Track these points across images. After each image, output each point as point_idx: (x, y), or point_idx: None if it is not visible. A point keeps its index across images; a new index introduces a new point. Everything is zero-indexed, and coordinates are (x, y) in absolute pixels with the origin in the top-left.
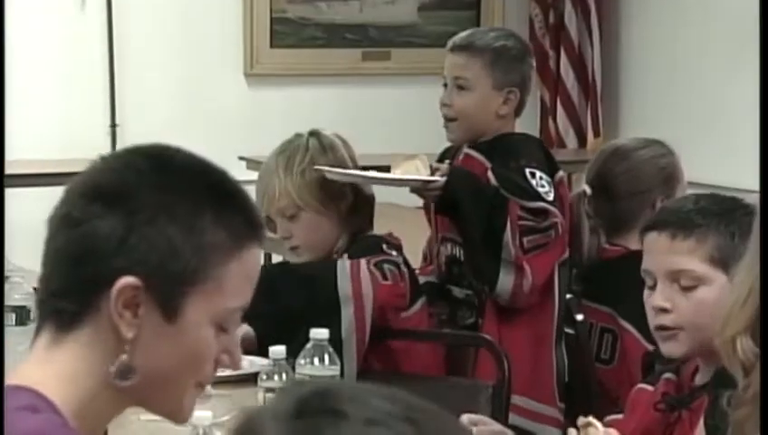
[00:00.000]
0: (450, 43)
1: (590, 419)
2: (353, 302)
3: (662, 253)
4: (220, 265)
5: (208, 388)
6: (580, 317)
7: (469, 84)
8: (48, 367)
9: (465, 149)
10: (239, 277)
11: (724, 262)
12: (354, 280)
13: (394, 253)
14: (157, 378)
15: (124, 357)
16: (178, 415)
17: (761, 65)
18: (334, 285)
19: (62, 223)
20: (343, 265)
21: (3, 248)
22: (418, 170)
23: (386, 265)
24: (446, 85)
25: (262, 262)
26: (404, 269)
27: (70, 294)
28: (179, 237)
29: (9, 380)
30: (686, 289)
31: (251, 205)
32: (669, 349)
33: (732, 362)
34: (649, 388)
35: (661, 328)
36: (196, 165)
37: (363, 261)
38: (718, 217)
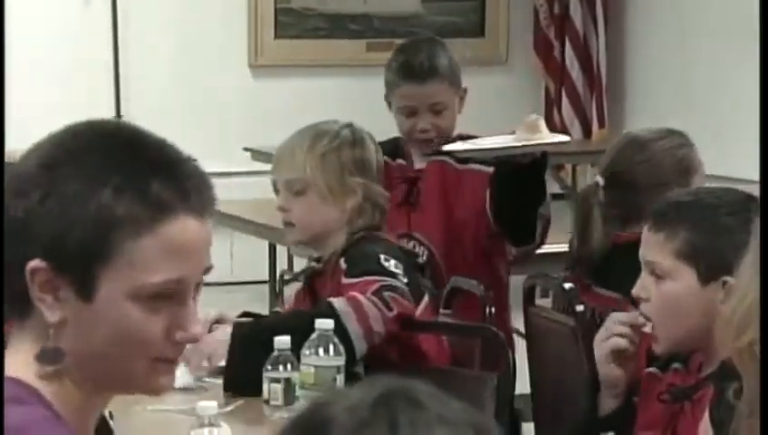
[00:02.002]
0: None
1: None
2: (364, 339)
3: (643, 244)
4: (128, 239)
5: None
6: (580, 308)
7: (447, 105)
8: (20, 356)
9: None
10: (155, 251)
11: (693, 258)
12: (362, 319)
13: (393, 263)
14: (97, 358)
15: (50, 342)
16: (149, 390)
17: (761, 67)
18: (341, 329)
19: None
20: (342, 304)
21: (2, 248)
22: (540, 130)
23: (386, 293)
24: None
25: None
26: (403, 287)
27: (7, 283)
28: (74, 213)
29: None
30: (657, 281)
31: (189, 174)
32: (653, 347)
33: (748, 368)
34: (660, 375)
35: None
36: (102, 137)
37: (362, 297)
38: (697, 212)
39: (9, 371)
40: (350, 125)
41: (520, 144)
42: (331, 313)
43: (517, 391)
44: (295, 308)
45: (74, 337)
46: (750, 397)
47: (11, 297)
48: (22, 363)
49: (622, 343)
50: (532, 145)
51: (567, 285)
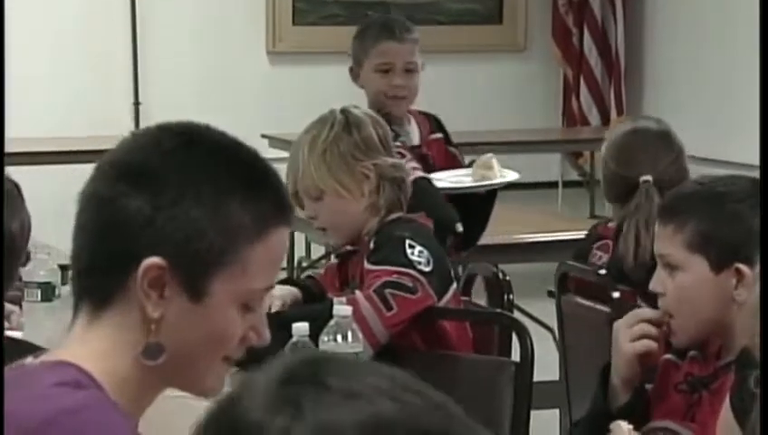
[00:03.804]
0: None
1: (619, 423)
2: (366, 339)
3: (656, 238)
4: (246, 247)
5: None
6: (616, 295)
7: (417, 67)
8: (87, 345)
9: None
10: (264, 259)
11: (703, 247)
12: (361, 321)
13: (417, 250)
14: (184, 356)
15: (151, 337)
16: (206, 390)
17: (761, 68)
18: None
19: (90, 200)
20: (342, 308)
21: (3, 249)
22: (492, 167)
23: (387, 291)
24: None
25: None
26: (417, 280)
27: (98, 272)
28: (205, 219)
29: (50, 357)
30: (671, 274)
31: (280, 186)
32: (671, 339)
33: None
34: (677, 362)
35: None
36: (225, 145)
37: (361, 298)
38: (703, 202)
39: (74, 357)
40: (342, 110)
41: (474, 184)
42: (330, 315)
43: (536, 379)
44: (303, 306)
45: (173, 335)
46: None
47: (95, 287)
48: (88, 355)
49: (653, 345)
50: (484, 185)
51: (602, 272)
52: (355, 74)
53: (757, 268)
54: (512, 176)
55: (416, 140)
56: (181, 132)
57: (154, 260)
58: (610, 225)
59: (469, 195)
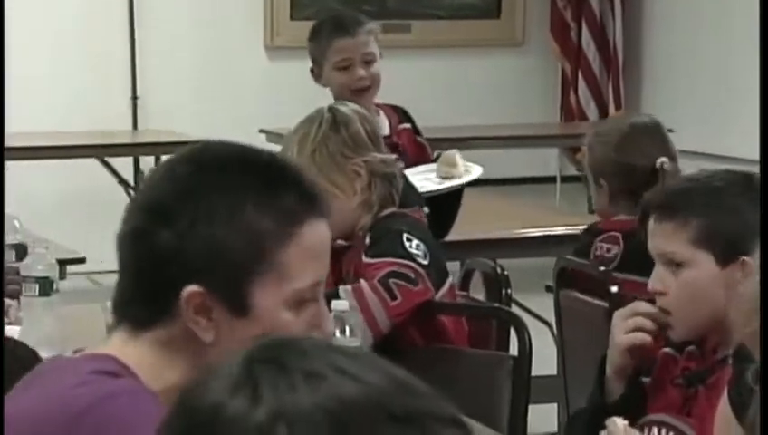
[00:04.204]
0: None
1: (614, 419)
2: (370, 328)
3: (654, 236)
4: (277, 250)
5: None
6: (614, 289)
7: (375, 57)
8: (128, 352)
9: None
10: (301, 256)
11: (709, 242)
12: (365, 310)
13: (415, 243)
14: None
15: (210, 360)
16: None
17: (761, 66)
18: None
19: (124, 240)
20: (346, 292)
21: (2, 247)
22: (457, 164)
23: (391, 281)
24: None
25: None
26: (418, 272)
27: (141, 303)
28: (224, 234)
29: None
30: (675, 271)
31: (300, 181)
32: (670, 335)
33: (759, 353)
34: (675, 356)
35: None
36: (234, 156)
37: (366, 287)
38: (703, 196)
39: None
40: (330, 108)
41: (440, 187)
42: (335, 294)
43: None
44: None
45: (225, 352)
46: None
47: (136, 315)
48: (133, 362)
49: (646, 339)
50: (447, 188)
51: (601, 268)
52: (317, 75)
53: (756, 259)
54: (476, 171)
55: (386, 130)
56: (190, 157)
57: (192, 288)
58: (617, 218)
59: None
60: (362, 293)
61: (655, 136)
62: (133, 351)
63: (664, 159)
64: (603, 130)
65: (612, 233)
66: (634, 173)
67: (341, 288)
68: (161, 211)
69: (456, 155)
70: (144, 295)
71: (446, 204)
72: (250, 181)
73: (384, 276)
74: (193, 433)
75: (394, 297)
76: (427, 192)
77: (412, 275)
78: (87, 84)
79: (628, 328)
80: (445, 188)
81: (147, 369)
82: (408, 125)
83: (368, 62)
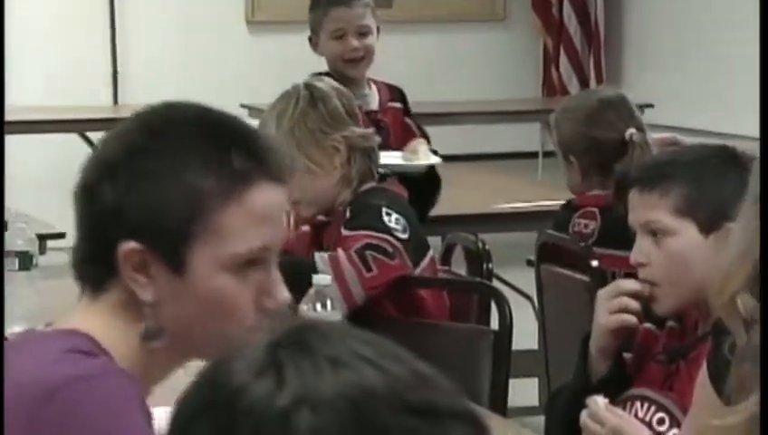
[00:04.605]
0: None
1: (595, 398)
2: (344, 298)
3: (635, 207)
4: (216, 211)
5: None
6: (595, 263)
7: (371, 30)
8: (91, 323)
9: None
10: (244, 219)
11: (691, 212)
12: (339, 279)
13: (394, 217)
14: (188, 333)
15: (149, 320)
16: None
17: (761, 61)
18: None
19: (76, 195)
20: (323, 262)
21: (2, 245)
22: (419, 152)
23: (368, 253)
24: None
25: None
26: (395, 246)
27: (91, 262)
28: (164, 192)
29: (60, 325)
30: (658, 241)
31: (253, 144)
32: (654, 308)
33: (733, 321)
34: (656, 332)
35: (644, 282)
36: (181, 117)
37: (342, 255)
38: (685, 166)
39: (84, 329)
40: (306, 84)
41: (404, 163)
42: (312, 269)
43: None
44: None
45: (168, 312)
46: (738, 350)
47: (88, 274)
48: (99, 327)
49: (633, 320)
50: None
51: (581, 244)
52: (314, 44)
53: (737, 226)
54: (434, 160)
55: (374, 105)
56: (141, 116)
57: (129, 245)
58: (592, 194)
59: (406, 179)
60: (338, 262)
61: (621, 109)
62: (97, 321)
63: (632, 130)
64: (569, 106)
65: (589, 209)
66: (604, 147)
67: (317, 255)
68: (106, 168)
69: (421, 145)
70: (92, 254)
71: (417, 189)
72: (197, 141)
73: (361, 248)
74: (214, 414)
75: (369, 269)
76: (393, 165)
77: (389, 250)
78: (67, 59)
79: (612, 308)
80: (392, 165)
81: (114, 342)
82: (398, 104)
83: (362, 33)
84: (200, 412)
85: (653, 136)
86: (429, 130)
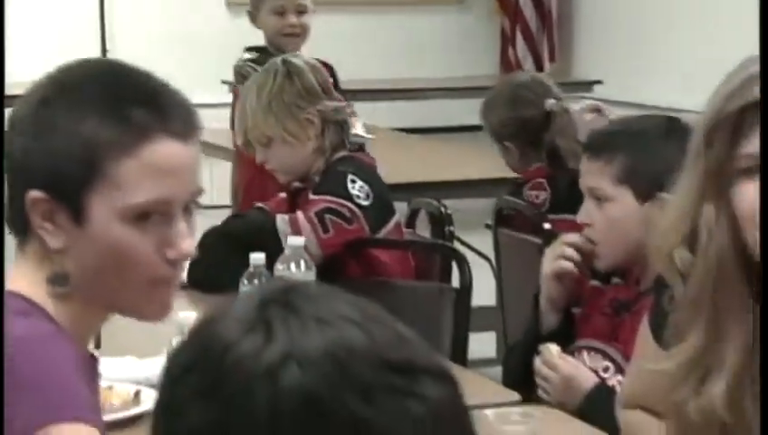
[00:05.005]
0: None
1: (548, 346)
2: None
3: (584, 173)
4: (112, 163)
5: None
6: (547, 226)
7: (308, 8)
8: (23, 277)
9: None
10: (138, 173)
11: (630, 181)
12: (296, 236)
13: (358, 185)
14: (92, 281)
15: (56, 267)
16: (148, 315)
17: (761, 63)
18: (277, 240)
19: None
20: (283, 222)
21: (2, 247)
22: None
23: (327, 217)
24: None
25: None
26: (353, 211)
27: (12, 213)
28: (65, 144)
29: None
30: (600, 206)
31: (156, 100)
32: (596, 263)
33: (671, 273)
34: (602, 288)
35: (587, 240)
36: (88, 73)
37: (301, 216)
38: (629, 138)
39: (16, 289)
40: (284, 60)
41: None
42: (273, 229)
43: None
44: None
45: (74, 261)
46: (676, 300)
47: (13, 226)
48: (27, 284)
49: (568, 266)
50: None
51: (535, 210)
52: (253, 17)
53: (671, 195)
54: (369, 136)
55: None
56: (52, 73)
57: (34, 194)
58: (534, 167)
59: None
60: (297, 222)
61: (536, 86)
62: (26, 276)
63: (551, 101)
64: (490, 99)
65: (537, 180)
66: (530, 124)
67: (279, 216)
68: (18, 121)
69: (358, 122)
70: (12, 205)
71: None
72: (98, 95)
73: (321, 211)
74: (202, 369)
75: (326, 230)
76: None
77: (347, 214)
78: (58, 40)
79: (554, 256)
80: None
81: (36, 290)
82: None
83: (300, 12)
84: (189, 368)
85: (577, 104)
86: (394, 105)
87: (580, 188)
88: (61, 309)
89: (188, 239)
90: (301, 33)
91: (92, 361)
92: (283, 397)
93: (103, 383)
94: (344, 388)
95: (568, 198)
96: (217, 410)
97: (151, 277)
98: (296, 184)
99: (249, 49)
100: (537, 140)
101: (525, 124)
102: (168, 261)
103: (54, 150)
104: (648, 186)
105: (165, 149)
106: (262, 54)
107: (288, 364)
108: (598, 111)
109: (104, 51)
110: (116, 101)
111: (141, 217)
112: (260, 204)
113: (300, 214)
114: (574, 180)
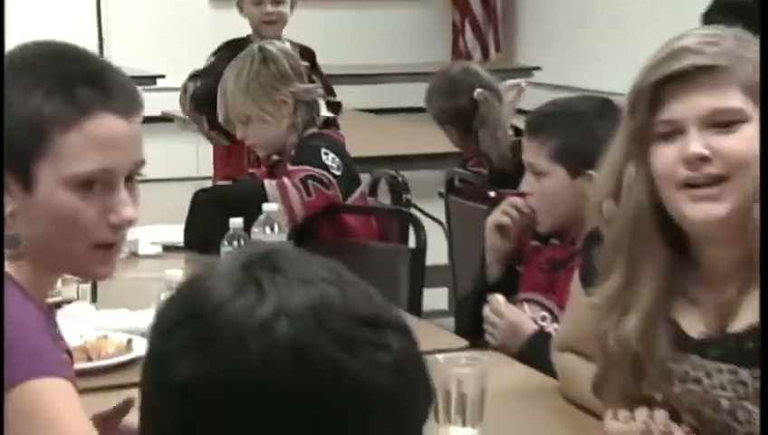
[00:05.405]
0: None
1: (495, 296)
2: (287, 217)
3: (524, 150)
4: (57, 135)
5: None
6: (492, 194)
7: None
8: None
9: None
10: (81, 145)
11: (563, 158)
12: (285, 200)
13: (330, 156)
14: (41, 243)
15: (7, 230)
16: (94, 274)
17: (762, 65)
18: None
19: None
20: (271, 186)
21: (2, 248)
22: None
23: (310, 182)
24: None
25: None
26: (330, 179)
27: None
28: (16, 117)
29: None
30: (538, 179)
31: (101, 82)
32: (537, 227)
33: (600, 222)
34: (541, 247)
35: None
36: (37, 54)
37: (288, 181)
38: (563, 120)
39: None
40: (260, 48)
41: None
42: (263, 192)
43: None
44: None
45: (24, 225)
46: (603, 245)
47: None
48: None
49: (504, 219)
50: None
51: (481, 179)
52: (240, 7)
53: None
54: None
55: None
56: (10, 53)
57: None
58: (474, 146)
59: None
60: (285, 186)
61: (468, 77)
62: None
63: (478, 90)
64: (429, 89)
65: (476, 159)
66: (463, 111)
67: (267, 182)
68: None
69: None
70: None
71: None
72: (45, 73)
73: (305, 177)
74: (195, 324)
75: (309, 194)
76: None
77: (326, 181)
78: (57, 31)
79: (497, 211)
80: None
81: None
82: (305, 63)
83: (278, 1)
84: (179, 322)
85: (505, 83)
86: (359, 88)
87: (513, 167)
88: (17, 269)
89: (129, 207)
90: (278, 21)
91: (50, 312)
92: (275, 348)
93: (99, 333)
94: (326, 340)
95: (505, 174)
96: (210, 362)
97: (95, 241)
98: (274, 157)
99: (227, 43)
100: (470, 126)
101: (460, 112)
102: (111, 226)
103: (8, 124)
104: (578, 163)
105: (107, 124)
106: (225, 49)
107: (279, 318)
108: (518, 87)
109: (101, 38)
110: (63, 79)
111: (85, 185)
112: (251, 170)
113: (286, 179)
114: (507, 160)
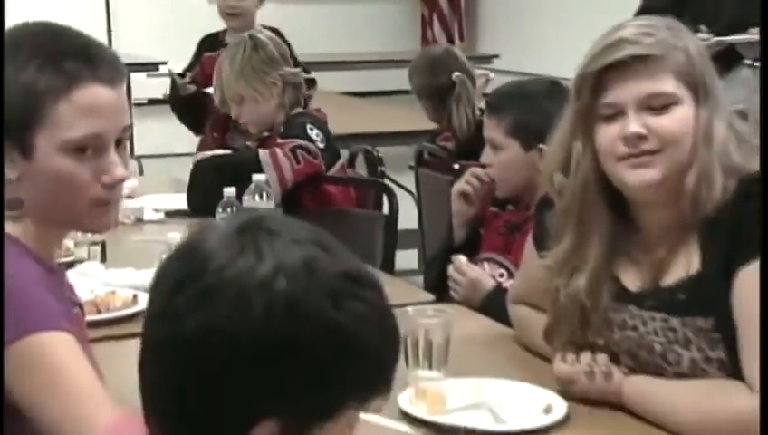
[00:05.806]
0: None
1: (459, 256)
2: (279, 183)
3: (484, 126)
4: (50, 105)
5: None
6: (456, 166)
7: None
8: None
9: None
10: (72, 113)
11: (517, 133)
12: (276, 167)
13: (315, 132)
14: (43, 204)
15: (11, 193)
16: (92, 229)
17: (762, 67)
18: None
19: None
20: (264, 155)
21: (2, 250)
22: None
23: (299, 151)
24: None
25: None
26: (315, 149)
27: None
28: (13, 90)
29: None
30: (496, 152)
31: (87, 55)
32: (496, 193)
33: (551, 191)
34: (499, 212)
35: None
36: (29, 33)
37: (279, 150)
38: (518, 99)
39: None
40: (251, 36)
41: None
42: (257, 160)
43: (400, 228)
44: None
45: (27, 189)
46: (554, 212)
47: None
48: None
49: (467, 187)
50: None
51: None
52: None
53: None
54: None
55: None
56: (7, 32)
57: None
58: (445, 121)
59: None
60: (276, 155)
61: (446, 58)
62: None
63: (456, 73)
64: (413, 65)
65: (446, 133)
66: (440, 90)
67: (261, 151)
68: None
69: None
70: None
71: None
72: (38, 49)
73: (294, 147)
74: (198, 284)
75: (298, 162)
76: None
77: (312, 151)
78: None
79: (461, 182)
80: None
81: (13, 227)
82: None
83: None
84: (182, 282)
85: (476, 71)
86: (339, 73)
87: (478, 140)
88: (20, 230)
89: (120, 167)
90: (241, 14)
91: (57, 269)
92: (275, 302)
93: (107, 289)
94: (318, 295)
95: (470, 148)
96: (214, 317)
97: (91, 199)
98: (265, 133)
99: (206, 37)
100: (446, 102)
101: (438, 89)
102: (105, 185)
103: (7, 98)
104: (531, 138)
105: (94, 93)
106: (210, 38)
107: (278, 276)
108: (486, 75)
109: (110, 38)
110: (52, 54)
111: (78, 150)
112: (248, 143)
113: (277, 149)
114: (473, 135)
